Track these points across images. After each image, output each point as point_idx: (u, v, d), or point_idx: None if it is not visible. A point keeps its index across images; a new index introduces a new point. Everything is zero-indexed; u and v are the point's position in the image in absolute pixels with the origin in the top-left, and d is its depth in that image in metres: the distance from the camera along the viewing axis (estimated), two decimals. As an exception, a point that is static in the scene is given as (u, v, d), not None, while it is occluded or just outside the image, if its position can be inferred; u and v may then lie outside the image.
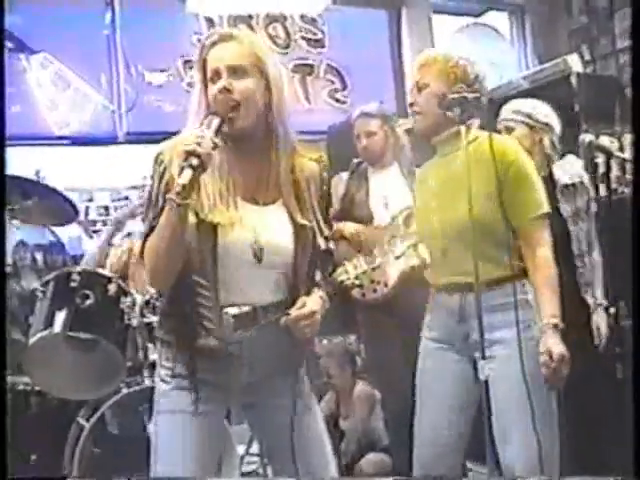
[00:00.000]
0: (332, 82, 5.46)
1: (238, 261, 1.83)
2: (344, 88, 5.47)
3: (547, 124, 2.88)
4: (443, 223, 2.22)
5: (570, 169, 2.84)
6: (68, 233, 5.15)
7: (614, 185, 3.11)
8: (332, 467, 1.99)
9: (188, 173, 1.68)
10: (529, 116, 2.86)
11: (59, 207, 3.45)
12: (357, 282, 3.03)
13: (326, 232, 1.96)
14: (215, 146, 1.74)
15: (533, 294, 2.16)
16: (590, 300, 2.79)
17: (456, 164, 2.18)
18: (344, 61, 5.45)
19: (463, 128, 2.08)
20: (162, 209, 1.76)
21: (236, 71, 1.82)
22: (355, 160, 3.56)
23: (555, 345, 2.07)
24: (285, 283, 1.91)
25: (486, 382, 2.00)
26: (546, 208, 2.21)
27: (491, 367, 2.04)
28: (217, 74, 1.83)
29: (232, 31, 1.90)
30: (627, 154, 3.15)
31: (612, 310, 2.85)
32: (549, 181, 2.71)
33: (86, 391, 3.17)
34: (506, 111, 2.92)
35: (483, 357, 2.00)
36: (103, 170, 5.89)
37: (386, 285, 3.25)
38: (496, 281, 2.15)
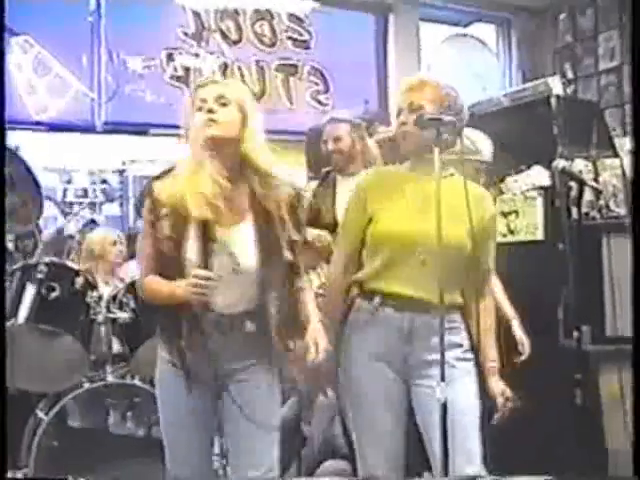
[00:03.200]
0: (315, 84, 5.46)
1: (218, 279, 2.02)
2: (327, 90, 5.47)
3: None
4: (416, 236, 2.20)
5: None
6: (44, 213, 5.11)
7: (585, 209, 3.14)
8: (276, 420, 2.29)
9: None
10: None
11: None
12: (320, 292, 3.04)
13: (294, 237, 2.16)
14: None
15: (462, 323, 2.28)
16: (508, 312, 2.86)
17: (430, 188, 2.16)
18: (328, 63, 5.45)
19: (437, 149, 2.08)
20: (153, 241, 2.08)
21: (219, 99, 2.09)
22: (324, 169, 3.56)
23: (501, 386, 2.28)
24: (257, 293, 2.13)
25: (444, 404, 2.00)
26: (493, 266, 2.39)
27: (424, 387, 2.18)
28: (204, 102, 2.08)
29: (218, 79, 2.32)
30: (601, 179, 3.19)
31: (575, 334, 2.88)
32: None
33: (46, 383, 3.14)
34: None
35: (442, 379, 1.99)
36: (82, 154, 5.84)
37: (349, 296, 3.24)
38: (452, 306, 2.22)
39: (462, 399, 2.10)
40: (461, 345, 2.24)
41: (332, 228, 3.33)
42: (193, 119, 2.09)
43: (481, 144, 2.90)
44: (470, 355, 2.27)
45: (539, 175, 3.05)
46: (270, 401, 2.26)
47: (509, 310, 2.89)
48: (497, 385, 2.28)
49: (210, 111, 2.06)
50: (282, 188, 2.16)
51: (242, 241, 2.08)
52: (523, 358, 2.80)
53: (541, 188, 3.23)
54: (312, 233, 3.34)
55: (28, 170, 3.36)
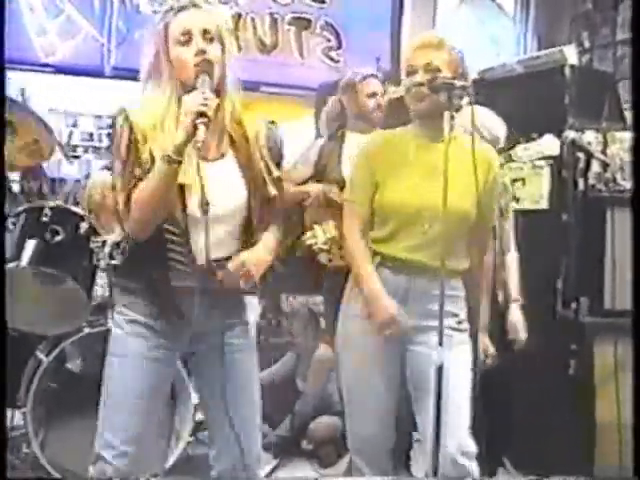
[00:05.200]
0: (328, 40, 5.39)
1: (195, 218, 1.91)
2: (339, 47, 5.40)
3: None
4: (420, 203, 2.21)
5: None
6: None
7: (592, 181, 3.13)
8: (258, 418, 2.12)
9: (202, 130, 1.83)
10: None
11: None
12: (324, 247, 3.05)
13: (276, 173, 2.08)
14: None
15: (464, 292, 2.28)
16: (501, 297, 2.85)
17: (436, 154, 2.17)
18: (342, 19, 5.38)
19: (447, 113, 2.08)
20: (139, 164, 1.90)
21: (205, 34, 1.94)
22: (336, 126, 3.51)
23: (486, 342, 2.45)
24: (239, 237, 2.03)
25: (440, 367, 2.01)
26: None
27: (417, 353, 2.20)
28: (188, 36, 1.93)
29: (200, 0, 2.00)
30: (609, 152, 3.17)
31: (573, 305, 2.90)
32: None
33: (47, 326, 3.17)
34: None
35: (440, 343, 2.00)
36: (89, 98, 5.79)
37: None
38: (453, 272, 2.21)
39: (452, 369, 2.05)
40: (457, 315, 2.24)
41: (339, 183, 3.32)
42: (171, 52, 1.94)
43: (497, 131, 2.87)
44: (465, 326, 2.27)
45: (550, 144, 3.03)
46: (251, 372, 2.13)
47: (514, 290, 2.88)
48: (485, 339, 2.46)
49: (203, 52, 1.92)
50: (254, 125, 2.09)
51: (222, 179, 1.98)
52: (518, 345, 2.80)
53: (550, 157, 3.21)
54: (315, 187, 3.33)
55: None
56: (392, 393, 2.30)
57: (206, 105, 1.84)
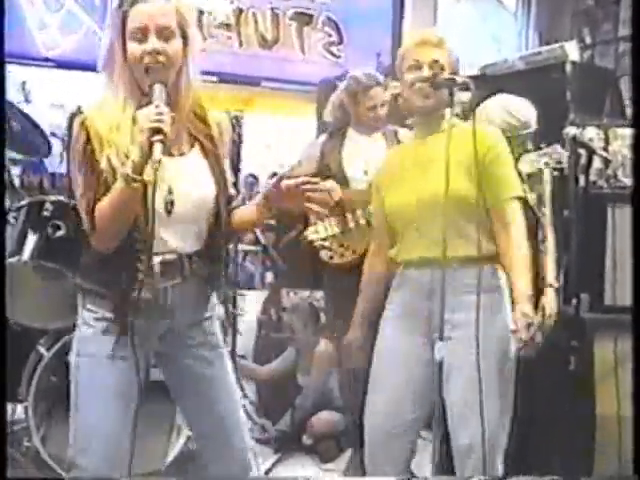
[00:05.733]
0: (329, 35, 5.40)
1: (161, 215, 1.84)
2: (340, 42, 5.41)
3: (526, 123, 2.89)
4: (419, 198, 2.23)
5: (532, 157, 2.89)
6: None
7: (593, 177, 3.13)
8: (241, 414, 2.08)
9: (159, 148, 1.72)
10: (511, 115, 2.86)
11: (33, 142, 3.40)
12: (325, 244, 3.05)
13: (232, 179, 2.04)
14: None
15: (505, 280, 2.20)
16: (540, 282, 2.83)
17: (434, 144, 2.22)
18: (344, 15, 5.38)
19: (449, 110, 2.09)
20: (98, 175, 1.80)
21: (163, 31, 1.81)
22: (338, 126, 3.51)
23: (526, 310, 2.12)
24: (207, 232, 1.96)
25: (440, 363, 2.01)
26: (520, 192, 2.27)
27: (449, 349, 2.05)
28: (144, 33, 1.80)
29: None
30: (611, 148, 3.17)
31: (574, 301, 2.90)
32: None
33: (49, 320, 3.19)
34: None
35: (441, 338, 2.01)
36: (90, 93, 5.79)
37: (354, 252, 3.24)
38: (468, 259, 2.17)
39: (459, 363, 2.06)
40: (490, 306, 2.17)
41: (341, 181, 3.32)
42: (123, 45, 1.81)
43: (527, 113, 2.87)
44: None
45: (558, 154, 3.00)
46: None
47: (550, 275, 2.76)
48: (524, 308, 2.10)
49: (157, 53, 1.79)
50: (218, 120, 2.02)
51: (189, 174, 1.91)
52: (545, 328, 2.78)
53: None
54: (325, 185, 3.32)
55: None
56: (411, 385, 2.26)
57: (161, 121, 1.73)
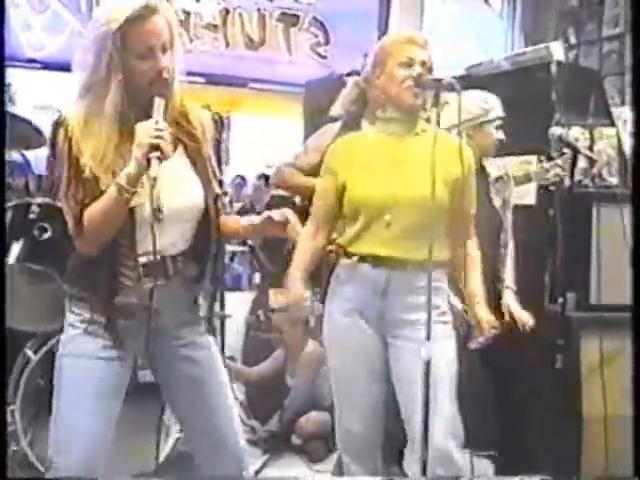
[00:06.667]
0: (316, 36, 5.41)
1: (148, 221, 1.85)
2: (327, 42, 5.41)
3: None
4: (394, 195, 2.22)
5: (498, 162, 2.96)
6: (35, 152, 5.07)
7: (579, 177, 3.15)
8: (234, 412, 2.08)
9: (156, 165, 1.74)
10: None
11: (25, 134, 3.38)
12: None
13: (219, 176, 2.02)
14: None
15: (446, 284, 2.32)
16: (498, 284, 2.91)
17: (412, 145, 2.26)
18: (330, 15, 5.39)
19: (434, 110, 2.10)
20: (83, 184, 1.80)
21: (164, 46, 1.82)
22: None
23: (488, 314, 2.35)
24: (194, 232, 1.95)
25: (427, 362, 2.02)
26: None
27: (401, 346, 2.22)
28: (151, 52, 1.80)
29: (154, 3, 1.81)
30: (596, 148, 3.19)
31: (560, 300, 2.93)
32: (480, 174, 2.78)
33: (36, 323, 3.17)
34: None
35: (428, 337, 2.01)
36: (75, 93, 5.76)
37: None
38: (440, 263, 2.22)
39: (436, 361, 2.03)
40: (438, 307, 2.23)
41: None
42: (130, 65, 1.79)
43: (492, 101, 2.93)
44: (447, 318, 2.29)
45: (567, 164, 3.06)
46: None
47: (509, 279, 2.93)
48: (484, 312, 2.35)
49: (164, 70, 1.80)
50: (201, 118, 2.00)
51: (174, 176, 1.89)
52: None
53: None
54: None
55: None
56: (377, 385, 2.31)
57: (161, 137, 1.75)
